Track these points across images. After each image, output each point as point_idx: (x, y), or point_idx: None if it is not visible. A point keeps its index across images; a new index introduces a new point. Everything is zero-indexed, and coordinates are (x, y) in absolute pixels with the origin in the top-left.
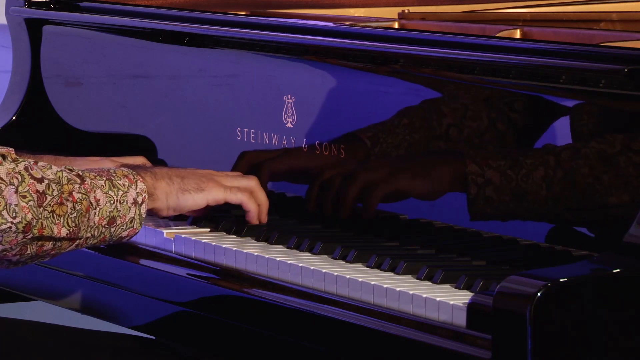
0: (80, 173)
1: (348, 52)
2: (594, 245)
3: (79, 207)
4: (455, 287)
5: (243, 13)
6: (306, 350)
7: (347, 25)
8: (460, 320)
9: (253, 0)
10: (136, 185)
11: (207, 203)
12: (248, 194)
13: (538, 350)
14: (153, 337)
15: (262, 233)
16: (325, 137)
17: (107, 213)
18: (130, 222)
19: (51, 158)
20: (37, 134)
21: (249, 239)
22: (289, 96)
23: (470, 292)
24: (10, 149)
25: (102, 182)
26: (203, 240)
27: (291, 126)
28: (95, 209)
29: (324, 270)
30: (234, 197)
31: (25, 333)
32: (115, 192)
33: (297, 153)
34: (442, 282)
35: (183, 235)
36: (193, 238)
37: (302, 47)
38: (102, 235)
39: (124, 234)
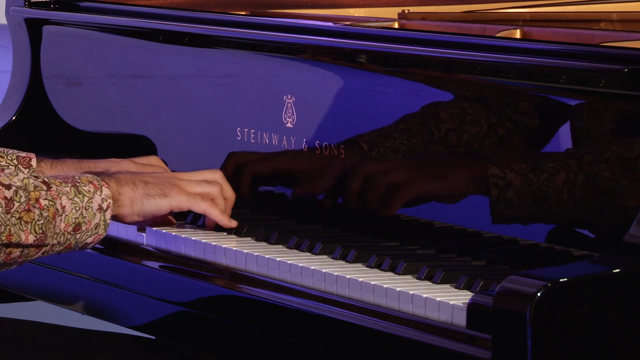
0: (46, 180)
1: (348, 52)
2: (594, 245)
3: (46, 213)
4: (455, 287)
5: (243, 13)
6: (306, 350)
7: (347, 25)
8: (460, 320)
9: (253, 0)
10: (101, 192)
11: (171, 209)
12: (210, 201)
13: (538, 350)
14: (153, 337)
15: (262, 233)
16: (326, 137)
17: (73, 219)
18: (95, 228)
19: (74, 161)
20: (37, 134)
21: (249, 239)
22: (289, 96)
23: (470, 292)
24: (32, 154)
25: (68, 189)
26: (203, 241)
27: (291, 126)
28: (61, 215)
29: (324, 270)
30: (197, 207)
31: (25, 333)
32: (81, 199)
33: (297, 153)
34: (442, 282)
35: (183, 236)
36: (193, 238)
37: (302, 47)
38: (68, 242)
39: (89, 240)
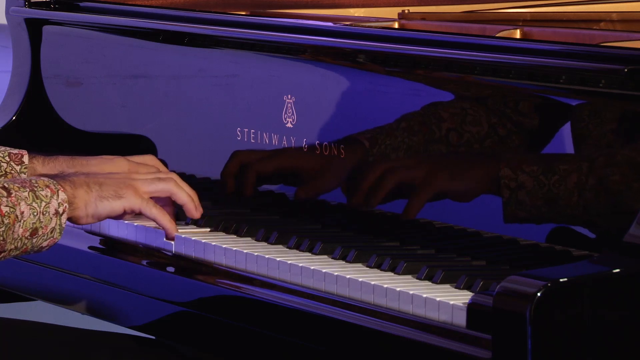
0: (6, 185)
1: (348, 52)
2: (594, 245)
3: (7, 220)
4: (455, 287)
5: (243, 13)
6: (306, 350)
7: (347, 25)
8: (460, 320)
9: (253, 0)
10: (57, 196)
11: (124, 210)
12: (163, 212)
13: (538, 350)
14: (153, 337)
15: (262, 233)
16: (325, 137)
17: (31, 225)
18: (51, 232)
19: (67, 158)
20: (37, 134)
21: (249, 239)
22: (289, 96)
23: (470, 292)
24: (24, 150)
25: (26, 194)
26: (203, 241)
27: (291, 126)
28: (20, 221)
29: (324, 270)
30: (148, 212)
31: (25, 333)
32: (39, 204)
33: (297, 153)
34: (442, 282)
35: (183, 236)
36: (193, 238)
37: (302, 47)
38: (24, 247)
39: (44, 244)
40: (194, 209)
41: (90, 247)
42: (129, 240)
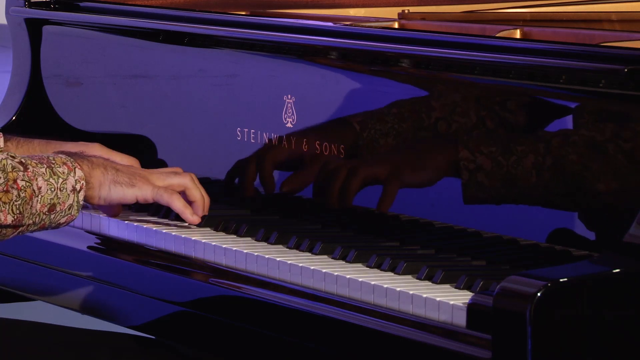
0: (23, 160)
1: (348, 52)
2: (594, 245)
3: (23, 194)
4: (455, 287)
5: (243, 13)
6: (306, 350)
7: (347, 25)
8: (460, 320)
9: (253, 0)
10: (74, 173)
11: (136, 199)
12: (176, 195)
13: (538, 350)
14: (153, 337)
15: (262, 233)
16: (325, 137)
17: (48, 200)
18: (69, 209)
19: (42, 142)
20: (37, 134)
21: (249, 239)
22: (289, 96)
23: (470, 292)
24: None
25: (43, 170)
26: (203, 241)
27: (291, 126)
28: (38, 196)
29: (324, 270)
30: (161, 199)
31: (25, 333)
32: (56, 180)
33: (297, 153)
34: (442, 282)
35: (183, 236)
36: (193, 238)
37: (302, 47)
38: (42, 222)
39: (62, 220)
40: (201, 209)
41: (89, 247)
42: (128, 240)
